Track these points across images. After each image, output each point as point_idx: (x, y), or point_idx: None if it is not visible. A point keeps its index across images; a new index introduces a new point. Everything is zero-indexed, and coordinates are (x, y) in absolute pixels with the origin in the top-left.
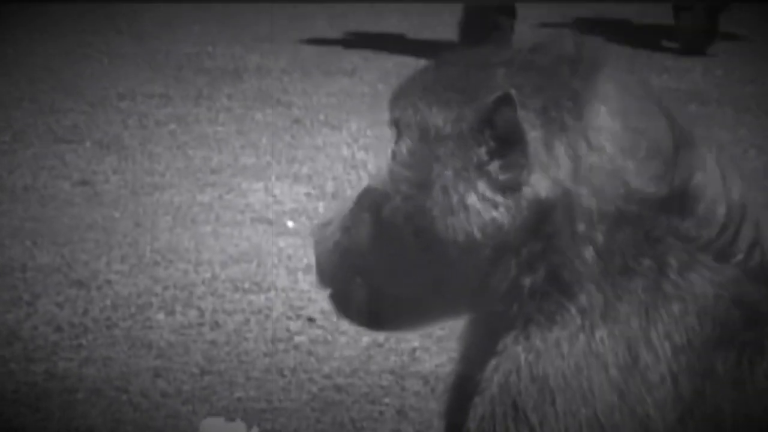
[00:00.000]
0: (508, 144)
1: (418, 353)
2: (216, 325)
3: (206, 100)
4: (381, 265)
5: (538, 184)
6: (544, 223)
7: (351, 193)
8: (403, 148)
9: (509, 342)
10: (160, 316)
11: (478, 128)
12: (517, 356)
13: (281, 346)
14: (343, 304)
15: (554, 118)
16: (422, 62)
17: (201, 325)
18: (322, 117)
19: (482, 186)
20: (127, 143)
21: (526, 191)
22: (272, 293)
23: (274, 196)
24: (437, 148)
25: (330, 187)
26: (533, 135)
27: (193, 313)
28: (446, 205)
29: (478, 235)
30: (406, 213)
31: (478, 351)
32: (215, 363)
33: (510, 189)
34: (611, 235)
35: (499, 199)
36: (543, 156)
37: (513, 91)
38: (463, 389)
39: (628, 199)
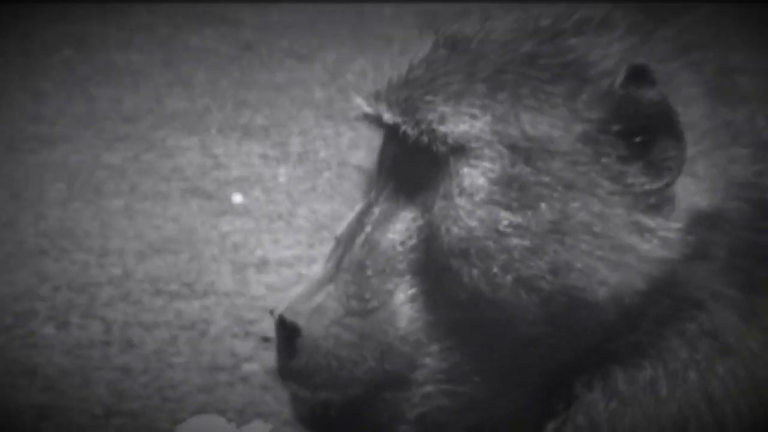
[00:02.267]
0: (649, 136)
1: None
2: (128, 345)
3: (116, 15)
4: (449, 359)
5: (692, 188)
6: (703, 244)
7: (343, 230)
8: (480, 180)
9: (578, 390)
10: (49, 329)
11: (603, 125)
12: (594, 405)
13: (223, 377)
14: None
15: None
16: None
17: (107, 344)
18: (285, 43)
19: (632, 207)
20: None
21: (682, 201)
22: (211, 299)
23: (215, 157)
24: (544, 169)
25: (295, 145)
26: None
27: (95, 327)
28: (592, 253)
29: (635, 280)
30: (517, 275)
31: (505, 401)
32: (127, 400)
33: (663, 203)
34: (751, 246)
35: (651, 222)
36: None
37: (643, 62)
38: None
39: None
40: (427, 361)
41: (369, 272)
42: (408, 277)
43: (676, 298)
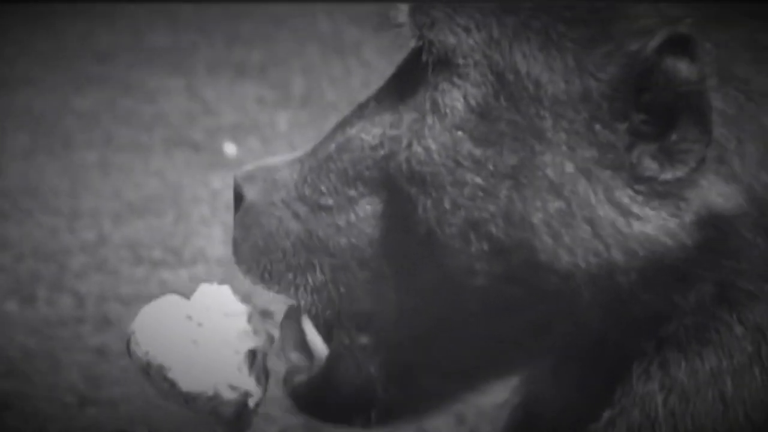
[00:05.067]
0: (672, 117)
1: None
2: (105, 323)
3: None
4: (401, 307)
5: (713, 189)
6: (720, 241)
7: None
8: (458, 102)
9: (634, 380)
10: (11, 305)
11: (620, 90)
12: (651, 398)
13: None
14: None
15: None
16: None
17: (80, 321)
18: None
19: (621, 187)
20: None
21: (694, 199)
22: (201, 268)
23: (204, 102)
24: (522, 110)
25: (297, 86)
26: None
27: (66, 301)
28: (555, 214)
29: (616, 256)
30: (466, 214)
31: (558, 390)
32: (103, 387)
33: (670, 194)
34: None
35: (649, 210)
36: (725, 142)
37: (689, 30)
38: None
39: None
40: (378, 318)
41: (333, 167)
42: (373, 188)
43: (722, 285)
